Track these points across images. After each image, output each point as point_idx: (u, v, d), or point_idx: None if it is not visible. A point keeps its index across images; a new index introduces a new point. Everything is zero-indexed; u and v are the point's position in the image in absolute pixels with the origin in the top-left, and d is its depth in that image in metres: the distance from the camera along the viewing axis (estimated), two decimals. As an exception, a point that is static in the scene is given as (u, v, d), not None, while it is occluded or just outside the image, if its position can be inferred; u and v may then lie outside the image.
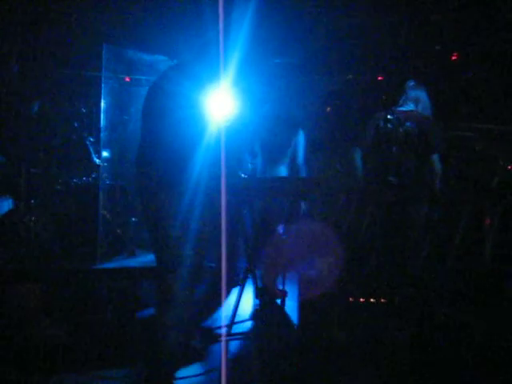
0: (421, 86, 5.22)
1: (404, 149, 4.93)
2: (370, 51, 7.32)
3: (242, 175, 5.30)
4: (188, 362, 3.78)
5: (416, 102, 5.13)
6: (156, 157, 3.61)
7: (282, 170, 5.28)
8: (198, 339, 4.10)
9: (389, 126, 4.96)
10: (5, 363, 3.67)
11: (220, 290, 4.49)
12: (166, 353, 3.54)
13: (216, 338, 4.29)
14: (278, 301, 4.37)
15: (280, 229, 4.81)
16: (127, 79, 7.34)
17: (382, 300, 3.49)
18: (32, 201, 6.65)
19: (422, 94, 5.16)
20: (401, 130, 4.97)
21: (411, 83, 5.20)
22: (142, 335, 4.11)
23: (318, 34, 7.06)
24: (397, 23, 6.74)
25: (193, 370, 3.74)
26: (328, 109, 6.68)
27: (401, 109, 5.09)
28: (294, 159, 5.48)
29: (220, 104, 3.81)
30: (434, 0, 6.37)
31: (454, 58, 6.84)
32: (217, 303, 4.74)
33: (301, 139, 5.53)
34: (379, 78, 7.47)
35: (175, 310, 3.57)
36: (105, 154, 7.04)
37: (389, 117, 4.95)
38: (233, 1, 5.02)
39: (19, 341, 3.94)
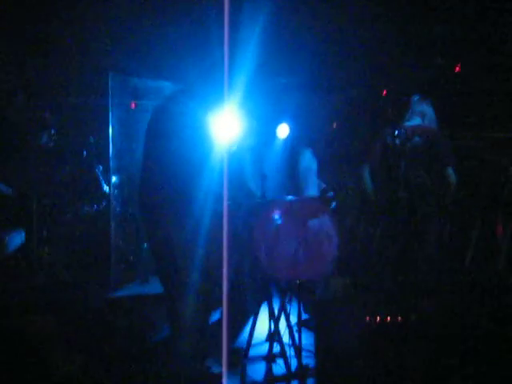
0: (426, 99, 5.23)
1: (413, 164, 4.92)
2: (374, 67, 7.34)
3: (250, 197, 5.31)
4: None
5: (422, 116, 5.13)
6: (160, 180, 3.60)
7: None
8: (216, 364, 4.07)
9: (396, 141, 4.95)
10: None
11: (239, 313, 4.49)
12: (185, 381, 3.52)
13: (234, 362, 4.26)
14: (294, 323, 4.34)
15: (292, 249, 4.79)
16: (133, 106, 7.38)
17: (399, 318, 3.47)
18: (44, 232, 6.68)
19: (427, 108, 5.17)
20: (409, 144, 4.97)
21: (416, 98, 5.21)
22: (157, 364, 4.08)
23: (323, 52, 7.09)
24: (400, 37, 6.75)
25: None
26: (334, 125, 6.70)
27: (408, 124, 5.10)
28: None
29: (226, 125, 3.82)
30: (436, 13, 6.38)
31: (457, 69, 6.85)
32: (233, 327, 4.72)
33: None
34: (384, 93, 7.49)
35: (189, 337, 3.55)
36: (114, 181, 7.06)
37: (396, 132, 4.95)
38: (238, 23, 5.07)
39: (35, 373, 3.93)
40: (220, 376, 3.98)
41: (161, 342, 4.57)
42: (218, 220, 3.66)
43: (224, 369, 3.79)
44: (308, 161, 5.57)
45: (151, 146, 3.73)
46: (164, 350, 4.15)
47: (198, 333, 3.63)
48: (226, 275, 3.54)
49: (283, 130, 7.19)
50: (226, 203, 3.70)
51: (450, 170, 4.96)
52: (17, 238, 5.81)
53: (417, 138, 4.98)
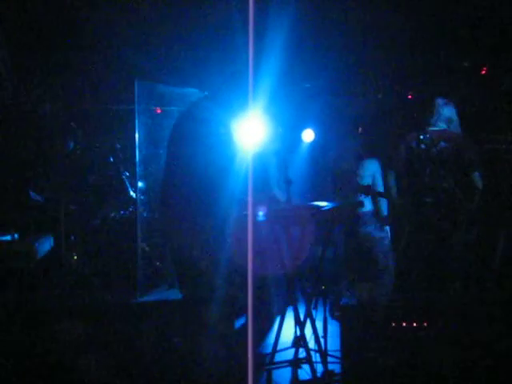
0: (450, 103, 5.19)
1: (439, 169, 4.88)
2: (399, 70, 7.32)
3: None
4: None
5: (449, 121, 5.09)
6: (184, 185, 3.61)
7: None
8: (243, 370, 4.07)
9: (422, 146, 4.92)
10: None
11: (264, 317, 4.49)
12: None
13: (260, 367, 4.27)
14: (320, 328, 4.33)
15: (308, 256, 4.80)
16: (158, 111, 7.43)
17: (425, 324, 3.45)
18: (72, 238, 6.76)
19: (452, 112, 5.13)
20: (435, 150, 4.93)
21: (441, 101, 5.17)
22: (183, 369, 4.10)
23: (347, 56, 7.08)
24: (424, 40, 6.72)
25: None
26: (360, 130, 6.67)
27: (433, 129, 5.06)
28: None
29: (251, 131, 3.83)
30: (461, 15, 6.34)
31: (483, 72, 6.80)
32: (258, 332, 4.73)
33: None
34: (409, 97, 7.45)
35: (214, 343, 3.56)
36: (140, 186, 7.11)
37: (421, 137, 4.92)
38: (262, 29, 5.09)
39: (62, 378, 3.97)
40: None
41: (186, 347, 4.58)
42: (243, 224, 3.67)
43: (250, 373, 3.79)
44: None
45: (175, 151, 3.75)
46: (188, 355, 4.15)
47: (222, 338, 3.64)
48: (250, 279, 3.54)
49: (308, 135, 7.20)
50: (250, 208, 3.71)
51: (476, 176, 4.92)
52: (46, 244, 5.88)
53: (443, 144, 4.94)
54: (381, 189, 5.52)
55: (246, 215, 3.70)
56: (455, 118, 5.14)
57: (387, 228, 5.62)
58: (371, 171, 5.56)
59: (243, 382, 3.89)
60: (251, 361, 3.61)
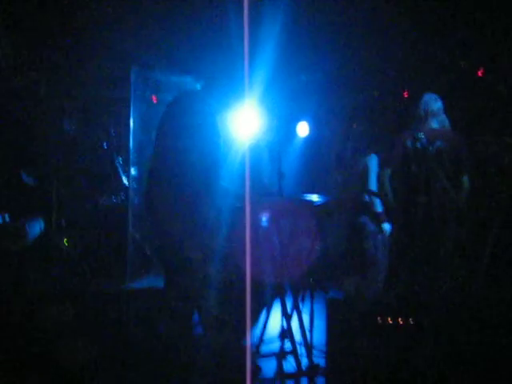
0: (438, 98, 5.18)
1: (434, 168, 4.89)
2: (395, 67, 7.32)
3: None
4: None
5: (437, 115, 5.08)
6: (172, 176, 3.58)
7: None
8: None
9: (418, 145, 4.92)
10: (33, 382, 3.72)
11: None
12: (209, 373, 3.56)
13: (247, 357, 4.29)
14: (307, 321, 4.36)
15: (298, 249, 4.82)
16: (154, 99, 7.43)
17: (411, 321, 3.48)
18: (63, 221, 6.75)
19: (437, 109, 5.12)
20: (431, 149, 4.94)
21: (432, 96, 5.15)
22: (173, 355, 4.12)
23: (342, 50, 7.08)
24: (422, 39, 6.72)
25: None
26: (354, 125, 6.69)
27: (430, 127, 5.05)
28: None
29: (245, 122, 3.84)
30: (459, 16, 6.34)
31: (479, 73, 6.81)
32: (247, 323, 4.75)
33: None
34: (405, 95, 7.46)
35: (214, 332, 3.59)
36: (133, 173, 7.11)
37: (418, 136, 4.91)
38: (259, 20, 5.09)
39: (50, 360, 3.99)
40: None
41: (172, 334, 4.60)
42: (236, 215, 3.69)
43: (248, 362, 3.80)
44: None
45: (166, 143, 3.70)
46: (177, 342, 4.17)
47: (223, 327, 3.67)
48: (247, 269, 3.56)
49: (303, 129, 7.22)
50: (247, 198, 3.73)
51: (465, 177, 4.94)
52: (36, 227, 5.88)
53: (438, 143, 4.94)
54: (373, 184, 5.53)
55: (239, 208, 3.71)
56: (443, 114, 5.13)
57: (385, 225, 5.59)
58: (367, 166, 5.57)
59: (231, 370, 3.94)
60: (249, 349, 3.65)
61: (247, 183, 3.63)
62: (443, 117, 5.11)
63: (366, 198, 5.54)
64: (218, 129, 3.62)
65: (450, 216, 4.94)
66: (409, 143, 5.07)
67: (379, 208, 5.55)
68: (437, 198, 4.93)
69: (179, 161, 3.56)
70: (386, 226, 5.53)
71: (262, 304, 5.43)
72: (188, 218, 3.54)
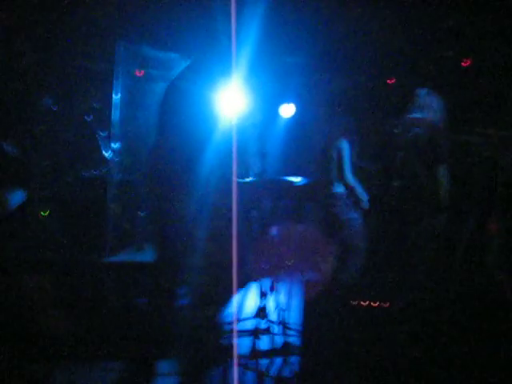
0: (433, 93, 5.23)
1: (410, 154, 4.94)
2: (381, 53, 7.34)
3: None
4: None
5: (427, 109, 5.13)
6: (170, 156, 3.66)
7: None
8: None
9: (395, 130, 4.97)
10: (13, 353, 3.74)
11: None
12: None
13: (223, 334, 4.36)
14: (283, 301, 4.43)
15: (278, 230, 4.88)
16: (139, 73, 7.39)
17: (384, 304, 3.55)
18: (43, 193, 6.73)
19: (433, 101, 5.16)
20: (409, 135, 5.00)
21: (424, 91, 5.21)
22: (146, 328, 4.16)
23: (329, 33, 7.08)
24: (410, 26, 6.74)
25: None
26: (338, 109, 6.72)
27: (411, 116, 5.11)
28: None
29: (231, 102, 3.86)
30: (449, 4, 6.36)
31: (465, 64, 6.86)
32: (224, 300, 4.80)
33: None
34: (389, 82, 7.49)
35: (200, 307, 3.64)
36: (115, 147, 7.10)
37: (395, 122, 4.97)
38: (245, 1, 5.08)
39: (28, 331, 4.01)
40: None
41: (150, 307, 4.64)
42: (224, 193, 3.74)
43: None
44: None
45: (162, 123, 3.78)
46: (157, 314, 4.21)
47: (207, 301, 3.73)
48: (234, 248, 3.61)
49: (287, 110, 7.24)
50: (235, 177, 3.77)
51: (441, 168, 4.97)
52: (17, 197, 5.85)
53: (416, 129, 5.00)
54: (347, 169, 5.53)
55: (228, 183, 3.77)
56: (436, 106, 5.17)
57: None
58: (337, 151, 5.57)
59: (209, 346, 4.00)
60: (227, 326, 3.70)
61: (234, 162, 3.67)
62: (438, 111, 5.16)
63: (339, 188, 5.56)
64: (203, 108, 3.65)
65: (423, 204, 5.01)
66: (388, 129, 5.12)
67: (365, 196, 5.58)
68: (410, 183, 4.99)
69: (171, 141, 3.63)
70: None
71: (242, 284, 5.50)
72: (183, 194, 3.60)
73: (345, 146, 5.53)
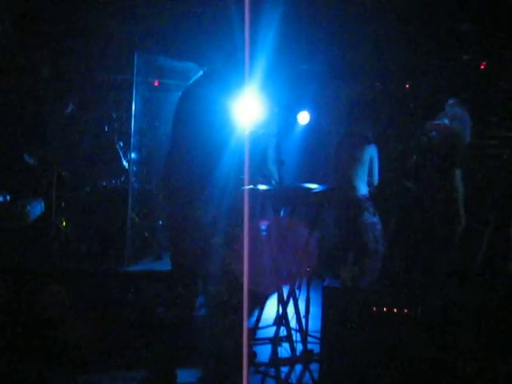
0: (460, 104, 5.22)
1: (425, 157, 4.94)
2: (397, 59, 7.33)
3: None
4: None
5: (453, 118, 5.13)
6: (185, 163, 3.67)
7: None
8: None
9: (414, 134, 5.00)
10: (31, 361, 3.77)
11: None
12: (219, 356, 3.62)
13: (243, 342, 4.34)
14: (302, 308, 4.42)
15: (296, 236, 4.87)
16: (156, 83, 7.45)
17: (406, 310, 3.53)
18: (63, 203, 6.79)
19: (460, 112, 5.16)
20: (425, 138, 4.99)
21: (451, 101, 5.21)
22: (170, 337, 4.17)
23: (345, 40, 7.08)
24: (425, 32, 6.73)
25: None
26: (355, 115, 6.71)
27: (433, 122, 5.11)
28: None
29: (247, 111, 3.87)
30: (462, 8, 6.34)
31: (482, 67, 6.82)
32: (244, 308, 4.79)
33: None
34: (406, 86, 7.47)
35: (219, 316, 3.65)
36: (134, 157, 7.14)
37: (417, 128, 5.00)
38: (260, 8, 5.10)
39: (45, 339, 4.04)
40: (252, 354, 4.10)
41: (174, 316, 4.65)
42: (239, 203, 3.74)
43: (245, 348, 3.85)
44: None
45: (177, 130, 3.80)
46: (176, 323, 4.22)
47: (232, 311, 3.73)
48: (247, 256, 3.60)
49: (304, 117, 7.24)
50: (247, 186, 3.78)
51: (457, 174, 4.96)
52: (37, 208, 5.92)
53: (433, 133, 5.00)
54: (376, 173, 5.59)
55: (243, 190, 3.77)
56: (462, 117, 5.16)
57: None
58: (370, 156, 5.60)
59: (229, 354, 3.99)
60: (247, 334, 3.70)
61: (246, 170, 3.68)
62: (465, 121, 5.16)
63: (367, 189, 5.59)
64: (219, 116, 3.67)
65: (439, 207, 5.00)
66: (407, 135, 5.14)
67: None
68: (424, 186, 4.99)
69: (185, 148, 3.64)
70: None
71: (261, 291, 5.48)
72: (201, 203, 3.61)
73: (375, 151, 5.58)
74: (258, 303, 5.25)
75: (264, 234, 4.82)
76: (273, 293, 4.58)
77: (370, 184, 5.61)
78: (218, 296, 3.86)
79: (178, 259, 3.81)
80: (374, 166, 5.59)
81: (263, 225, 4.81)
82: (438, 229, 5.03)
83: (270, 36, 5.09)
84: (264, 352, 4.35)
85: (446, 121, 5.15)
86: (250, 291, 3.57)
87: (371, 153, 5.60)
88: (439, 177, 4.97)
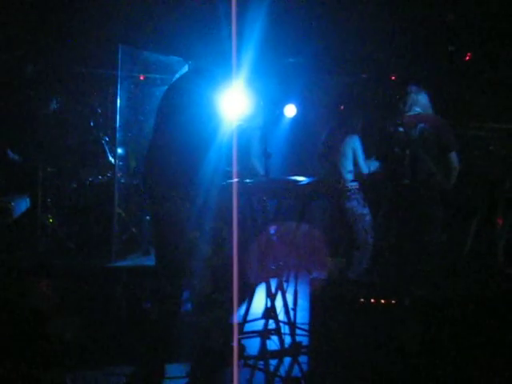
0: (422, 90, 5.24)
1: (419, 150, 4.95)
2: (383, 50, 7.33)
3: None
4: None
5: (423, 106, 5.15)
6: (168, 157, 3.64)
7: None
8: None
9: (400, 129, 4.99)
10: (18, 358, 3.74)
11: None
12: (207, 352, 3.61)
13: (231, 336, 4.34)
14: (290, 301, 4.41)
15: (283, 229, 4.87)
16: (142, 77, 7.41)
17: (393, 301, 3.53)
18: (48, 199, 6.75)
19: (422, 98, 5.18)
20: (414, 131, 4.99)
21: (413, 87, 5.22)
22: (158, 332, 4.16)
23: (330, 33, 7.07)
24: (410, 23, 6.73)
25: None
26: (341, 107, 6.70)
27: (409, 114, 5.12)
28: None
29: (234, 104, 3.85)
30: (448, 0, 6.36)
31: (467, 58, 6.84)
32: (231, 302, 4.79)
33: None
34: (392, 78, 7.49)
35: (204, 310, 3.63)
36: (120, 152, 7.10)
37: (399, 121, 4.99)
38: (246, 3, 5.08)
39: (33, 336, 4.01)
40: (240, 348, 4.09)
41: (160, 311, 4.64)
42: (226, 195, 3.72)
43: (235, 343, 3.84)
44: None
45: (160, 122, 3.77)
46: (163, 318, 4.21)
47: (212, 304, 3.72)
48: (235, 250, 3.60)
49: (290, 110, 7.24)
50: (235, 179, 3.77)
51: (453, 155, 4.99)
52: (22, 204, 5.88)
53: (421, 125, 5.00)
54: (362, 163, 5.61)
55: (230, 184, 3.76)
56: (425, 102, 5.20)
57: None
58: (352, 147, 5.62)
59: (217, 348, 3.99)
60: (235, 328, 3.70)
61: (234, 163, 3.66)
62: (427, 107, 5.18)
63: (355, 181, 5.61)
64: (206, 109, 3.65)
65: (435, 196, 5.01)
66: (391, 128, 5.13)
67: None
68: (423, 181, 4.99)
69: (171, 140, 3.62)
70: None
71: (247, 284, 5.47)
72: (182, 197, 3.59)
73: (358, 143, 5.60)
74: (246, 296, 5.26)
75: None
76: (260, 284, 4.55)
77: (358, 175, 5.63)
78: (202, 291, 3.84)
79: (160, 254, 3.80)
80: (358, 157, 5.61)
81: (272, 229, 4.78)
82: (430, 220, 5.04)
83: (256, 30, 5.07)
84: (253, 345, 4.34)
85: (417, 109, 5.15)
86: (238, 285, 3.57)
87: (353, 144, 5.63)
88: (433, 164, 4.98)
